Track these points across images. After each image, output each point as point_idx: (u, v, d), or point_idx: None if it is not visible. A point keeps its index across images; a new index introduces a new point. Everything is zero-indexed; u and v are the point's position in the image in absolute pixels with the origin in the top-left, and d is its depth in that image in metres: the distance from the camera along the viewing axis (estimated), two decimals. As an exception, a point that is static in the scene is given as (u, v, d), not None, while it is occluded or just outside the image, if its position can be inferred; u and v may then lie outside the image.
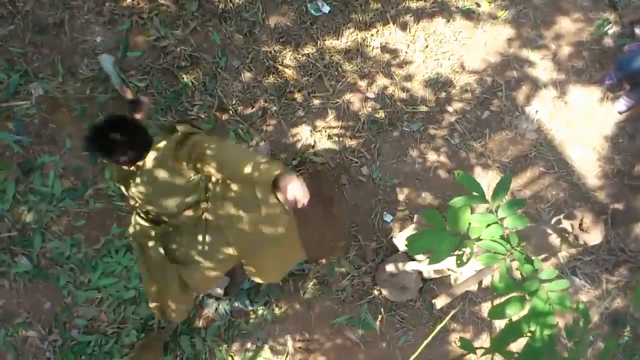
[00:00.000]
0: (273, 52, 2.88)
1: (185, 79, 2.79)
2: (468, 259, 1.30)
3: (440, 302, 2.23)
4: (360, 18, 2.97)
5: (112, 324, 2.53)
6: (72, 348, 2.50)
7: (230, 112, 2.79)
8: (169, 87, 2.77)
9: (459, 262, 1.33)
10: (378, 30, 2.99)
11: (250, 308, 2.59)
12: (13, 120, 2.65)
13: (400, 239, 2.57)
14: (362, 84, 2.90)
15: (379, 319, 2.59)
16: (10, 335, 2.50)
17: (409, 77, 2.93)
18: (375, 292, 2.61)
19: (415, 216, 2.58)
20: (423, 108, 2.86)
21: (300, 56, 2.90)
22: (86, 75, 2.74)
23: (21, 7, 2.78)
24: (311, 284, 2.62)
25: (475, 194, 1.31)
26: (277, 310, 2.60)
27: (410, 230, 2.56)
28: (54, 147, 2.67)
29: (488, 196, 1.32)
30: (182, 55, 2.80)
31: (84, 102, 2.71)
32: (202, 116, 2.77)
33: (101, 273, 2.56)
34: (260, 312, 2.59)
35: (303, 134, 2.81)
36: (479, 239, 1.28)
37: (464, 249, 1.29)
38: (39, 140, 2.67)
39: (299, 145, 2.80)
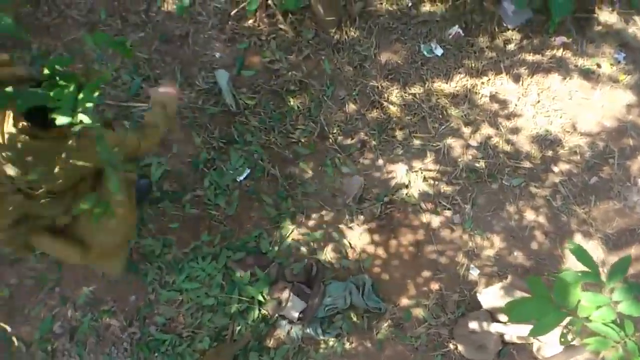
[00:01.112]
0: (380, 87, 3.53)
1: (292, 103, 3.49)
2: (573, 339, 1.39)
3: (522, 370, 2.66)
4: (473, 64, 3.57)
5: (188, 327, 3.17)
6: (148, 343, 3.15)
7: (330, 140, 3.44)
8: (275, 108, 3.48)
9: (562, 339, 1.42)
10: (489, 79, 3.56)
11: (321, 337, 3.14)
12: (130, 120, 3.46)
13: (485, 296, 3.06)
14: (466, 130, 3.47)
15: None
16: (95, 320, 3.21)
17: (515, 130, 3.47)
18: (451, 346, 3.08)
19: (510, 277, 3.04)
20: (527, 164, 3.37)
21: (406, 95, 3.52)
22: (201, 87, 3.51)
23: (153, 17, 3.63)
24: (386, 324, 3.15)
25: (587, 269, 1.42)
26: (347, 345, 3.14)
27: (496, 288, 3.04)
28: (162, 150, 3.44)
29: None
30: (292, 80, 3.52)
31: (195, 112, 3.48)
32: (302, 140, 3.44)
33: (186, 276, 3.22)
34: (330, 343, 3.14)
35: (398, 172, 3.40)
36: (588, 320, 1.36)
37: (569, 327, 1.39)
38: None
39: (392, 182, 3.39)
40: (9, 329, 2.93)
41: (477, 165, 3.18)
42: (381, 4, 3.45)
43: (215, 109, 3.27)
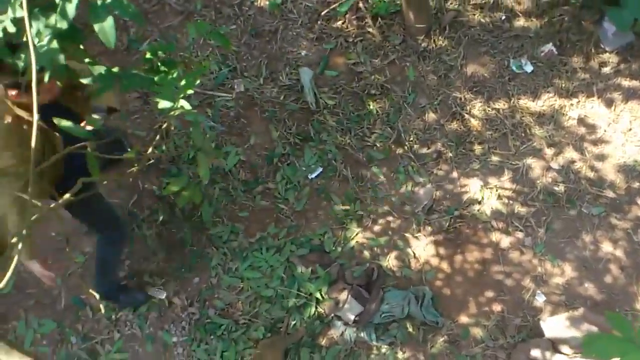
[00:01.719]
0: (463, 99, 3.84)
1: (372, 107, 3.88)
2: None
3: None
4: (563, 85, 3.80)
5: (245, 315, 3.59)
6: (205, 325, 3.59)
7: (406, 147, 3.79)
8: (354, 110, 3.88)
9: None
10: (579, 101, 3.78)
11: (374, 343, 3.46)
12: (212, 108, 3.96)
13: (549, 324, 3.27)
14: (549, 152, 3.71)
15: None
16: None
17: (601, 157, 3.67)
18: None
19: (582, 310, 3.25)
20: (610, 193, 3.56)
21: (489, 109, 3.82)
22: (284, 82, 3.97)
23: (245, 11, 4.15)
24: (441, 339, 3.43)
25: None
26: (400, 354, 3.45)
27: (562, 318, 3.25)
28: (240, 140, 3.91)
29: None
30: (374, 84, 3.90)
31: (275, 106, 3.94)
32: (378, 145, 3.81)
33: (248, 265, 3.65)
34: (383, 350, 3.46)
35: (472, 187, 3.69)
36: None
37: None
38: (229, 131, 3.92)
39: (465, 197, 3.68)
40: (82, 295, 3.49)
41: (556, 189, 3.42)
42: (474, 15, 3.77)
43: (295, 106, 3.71)
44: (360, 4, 3.55)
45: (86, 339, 3.21)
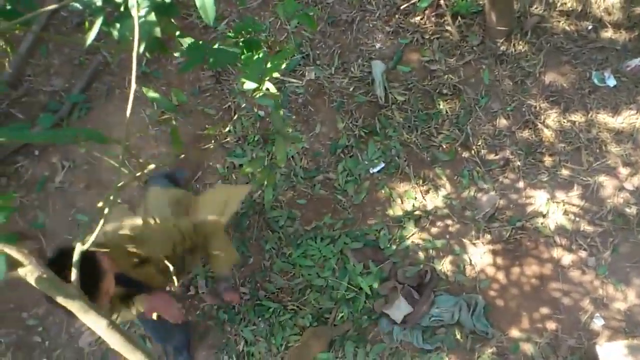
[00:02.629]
0: (538, 107, 3.88)
1: (441, 106, 3.98)
2: None
3: None
4: (648, 103, 3.78)
5: (294, 301, 3.78)
6: (254, 307, 3.80)
7: (473, 151, 3.87)
8: (423, 109, 3.99)
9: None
10: (663, 122, 3.76)
11: (420, 345, 3.63)
12: (282, 93, 4.18)
13: (605, 350, 3.29)
14: (623, 171, 3.71)
15: None
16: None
17: (681, 184, 3.63)
18: None
19: None
20: (685, 222, 3.53)
21: (565, 121, 3.84)
22: (355, 74, 4.11)
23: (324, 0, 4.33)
24: (490, 350, 3.52)
25: None
26: None
27: (621, 345, 3.25)
28: (306, 127, 4.10)
29: None
30: (447, 83, 3.99)
31: (344, 97, 4.09)
32: (444, 146, 3.90)
33: (302, 252, 3.83)
34: (428, 354, 3.62)
35: (538, 200, 3.74)
36: None
37: None
38: (296, 118, 4.12)
39: (529, 209, 3.74)
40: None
41: (627, 210, 3.43)
42: (558, 22, 3.79)
43: (364, 98, 3.85)
44: (442, 1, 3.64)
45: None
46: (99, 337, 3.39)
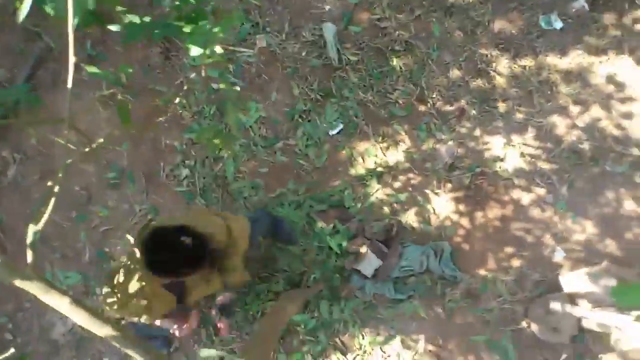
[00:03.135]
0: (489, 56, 4.03)
1: (395, 63, 4.11)
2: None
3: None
4: (593, 42, 3.95)
5: (264, 270, 3.95)
6: (227, 277, 3.97)
7: (429, 104, 4.01)
8: (377, 67, 4.11)
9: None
10: (609, 59, 3.94)
11: (393, 296, 3.79)
12: (234, 64, 4.26)
13: (567, 279, 3.50)
14: (574, 110, 3.91)
15: (519, 352, 3.59)
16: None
17: (628, 115, 3.84)
18: (524, 324, 3.57)
19: (606, 263, 3.43)
20: (635, 151, 3.73)
21: (516, 66, 4.01)
22: (307, 38, 4.20)
23: (269, -35, 4.41)
24: (459, 293, 3.68)
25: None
26: (418, 307, 3.77)
27: (582, 273, 3.47)
28: (261, 97, 4.19)
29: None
30: (398, 40, 4.11)
31: (297, 63, 4.18)
32: (400, 102, 4.04)
33: (269, 220, 3.98)
34: (401, 303, 3.78)
35: (495, 145, 3.92)
36: None
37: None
38: (250, 87, 4.17)
39: (487, 154, 3.91)
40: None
41: (580, 146, 3.62)
42: (502, -31, 3.95)
43: (318, 62, 3.95)
44: (386, -42, 3.75)
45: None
46: (73, 326, 3.47)
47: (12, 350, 1.68)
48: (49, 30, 3.63)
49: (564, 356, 3.14)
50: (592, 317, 3.01)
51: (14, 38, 3.88)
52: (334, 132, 3.68)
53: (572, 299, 3.14)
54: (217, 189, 3.64)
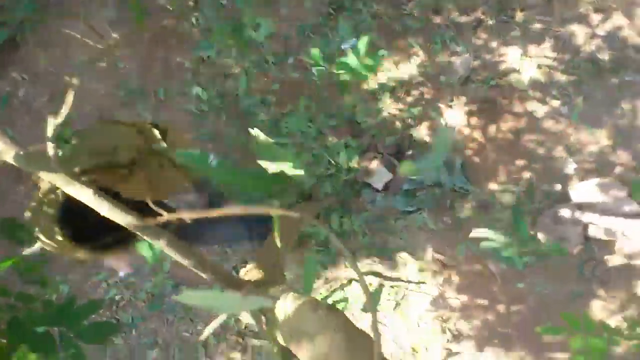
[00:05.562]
0: (507, -38, 4.23)
1: (409, -28, 4.34)
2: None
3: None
4: (618, -55, 4.11)
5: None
6: (239, 193, 4.40)
7: (445, 15, 4.27)
8: (391, -23, 4.35)
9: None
10: (635, -37, 4.10)
11: (403, 208, 4.15)
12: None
13: (577, 190, 3.78)
14: (595, 18, 4.07)
15: (526, 261, 3.94)
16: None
17: (653, 23, 4.00)
18: (531, 233, 3.95)
19: (616, 172, 3.65)
20: (657, 61, 3.93)
21: (535, -27, 4.19)
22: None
23: None
24: (469, 205, 4.02)
25: None
26: (427, 219, 4.13)
27: (592, 184, 3.78)
28: (269, 11, 4.52)
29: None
30: (412, -52, 4.34)
31: (309, -26, 4.46)
32: (415, 13, 4.28)
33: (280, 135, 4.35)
34: (411, 215, 4.14)
35: (511, 57, 4.14)
36: None
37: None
38: (257, 1, 4.54)
39: (502, 66, 4.14)
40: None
41: (599, 56, 3.83)
42: None
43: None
44: None
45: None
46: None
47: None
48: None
49: (569, 261, 3.44)
50: (600, 223, 3.29)
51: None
52: (347, 46, 3.88)
53: (581, 209, 3.42)
54: (228, 106, 3.92)
